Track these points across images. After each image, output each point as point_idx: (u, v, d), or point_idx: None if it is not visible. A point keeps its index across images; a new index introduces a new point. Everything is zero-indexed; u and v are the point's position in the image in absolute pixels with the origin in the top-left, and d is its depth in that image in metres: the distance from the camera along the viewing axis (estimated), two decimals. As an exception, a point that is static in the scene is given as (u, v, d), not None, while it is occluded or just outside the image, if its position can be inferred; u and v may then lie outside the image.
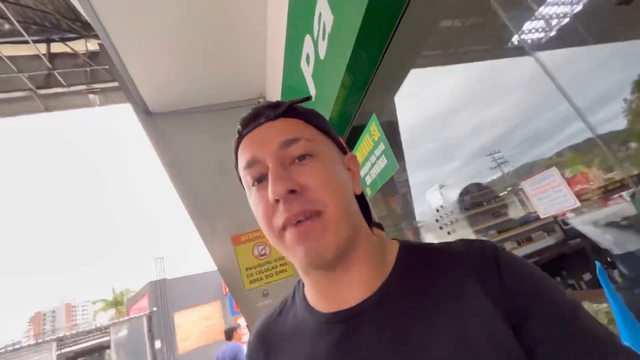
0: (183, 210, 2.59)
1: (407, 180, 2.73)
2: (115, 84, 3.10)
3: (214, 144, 2.83)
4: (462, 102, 1.92)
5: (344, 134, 1.68)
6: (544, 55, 1.25)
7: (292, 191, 0.34)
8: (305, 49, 1.63)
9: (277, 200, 0.34)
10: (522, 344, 0.31)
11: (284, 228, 0.35)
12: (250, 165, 0.37)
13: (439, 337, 0.32)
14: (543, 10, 1.49)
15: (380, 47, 1.19)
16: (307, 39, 1.57)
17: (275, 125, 0.38)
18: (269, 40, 2.51)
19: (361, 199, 0.44)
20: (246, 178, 0.39)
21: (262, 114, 0.40)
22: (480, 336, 0.31)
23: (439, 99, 2.16)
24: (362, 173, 1.57)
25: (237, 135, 0.42)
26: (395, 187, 2.75)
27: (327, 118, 1.45)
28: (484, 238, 0.39)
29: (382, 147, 1.33)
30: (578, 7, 1.64)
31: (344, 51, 1.19)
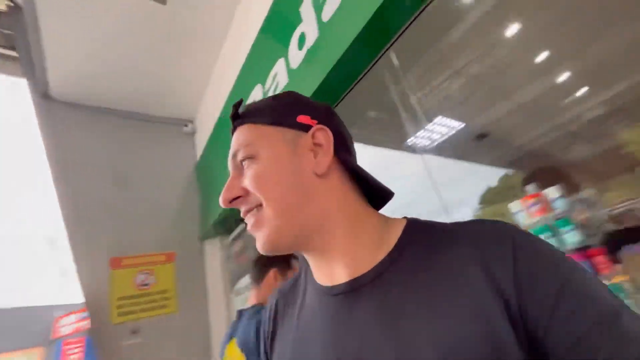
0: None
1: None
2: (12, 52, 2.61)
3: (116, 152, 2.58)
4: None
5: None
6: (428, 157, 1.72)
7: (237, 197, 0.40)
8: (253, 96, 1.81)
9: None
10: (534, 345, 0.29)
11: (246, 223, 0.42)
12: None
13: (428, 325, 0.31)
14: (431, 127, 2.10)
15: None
16: (258, 88, 1.76)
17: (233, 139, 0.44)
18: (215, 75, 2.62)
19: (355, 174, 0.42)
20: None
21: (232, 129, 0.46)
22: (471, 328, 0.30)
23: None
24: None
25: None
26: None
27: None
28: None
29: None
30: (451, 133, 2.33)
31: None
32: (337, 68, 1.18)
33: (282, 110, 0.43)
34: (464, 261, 0.33)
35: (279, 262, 1.22)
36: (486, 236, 0.34)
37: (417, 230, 0.38)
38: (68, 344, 9.17)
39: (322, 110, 0.44)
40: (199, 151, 2.95)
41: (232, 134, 0.44)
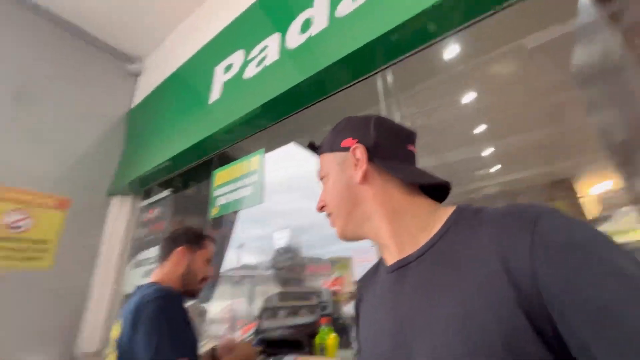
0: None
1: (233, 223, 2.78)
2: None
3: (32, 62, 2.09)
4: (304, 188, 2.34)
5: (225, 145, 1.68)
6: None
7: (322, 207, 0.57)
8: (232, 59, 1.67)
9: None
10: (551, 334, 0.30)
11: None
12: None
13: (450, 297, 0.36)
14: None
15: (289, 110, 1.40)
16: (240, 52, 1.63)
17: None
18: (191, 20, 2.34)
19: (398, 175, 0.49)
20: None
21: None
22: (484, 309, 0.33)
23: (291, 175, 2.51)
24: (220, 192, 1.58)
25: None
26: (222, 222, 2.72)
27: (220, 125, 1.45)
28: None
29: (255, 178, 1.44)
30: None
31: (265, 94, 1.34)
32: (333, 68, 1.16)
33: (334, 139, 0.56)
34: (484, 243, 0.36)
35: (188, 241, 1.12)
36: (509, 218, 0.36)
37: (460, 216, 0.43)
38: None
39: (362, 126, 0.53)
40: (139, 97, 2.56)
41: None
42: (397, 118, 1.49)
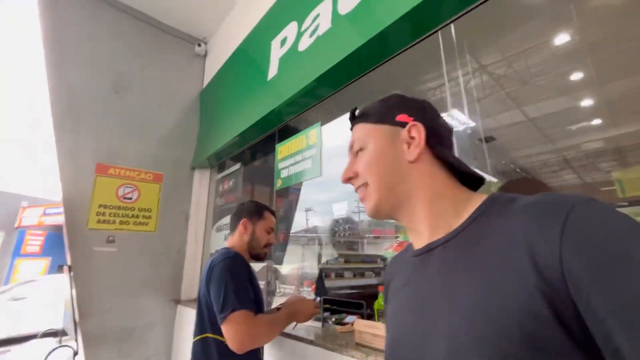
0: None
1: (299, 190, 2.95)
2: None
3: (121, 55, 2.39)
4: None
5: (285, 120, 1.76)
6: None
7: (350, 178, 0.55)
8: (285, 33, 1.67)
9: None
10: (573, 321, 0.30)
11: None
12: None
13: (471, 282, 0.37)
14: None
15: (344, 81, 1.36)
16: (293, 25, 1.62)
17: (352, 133, 0.58)
18: (243, 0, 2.38)
19: (442, 159, 0.50)
20: None
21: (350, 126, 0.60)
22: (504, 293, 0.33)
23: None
24: (283, 165, 1.68)
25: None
26: (288, 190, 2.90)
27: (279, 101, 1.50)
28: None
29: (313, 152, 1.48)
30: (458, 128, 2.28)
31: (321, 65, 1.32)
32: (391, 29, 1.08)
33: (385, 111, 0.54)
34: (513, 233, 0.36)
35: (249, 212, 1.27)
36: (542, 206, 0.36)
37: (492, 204, 0.43)
38: (31, 235, 9.21)
39: (419, 108, 0.53)
40: (208, 77, 2.77)
41: (351, 130, 0.59)
42: (460, 79, 1.34)
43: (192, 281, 2.37)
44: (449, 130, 0.54)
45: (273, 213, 1.34)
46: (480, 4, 0.97)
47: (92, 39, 2.25)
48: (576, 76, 3.20)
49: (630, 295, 0.27)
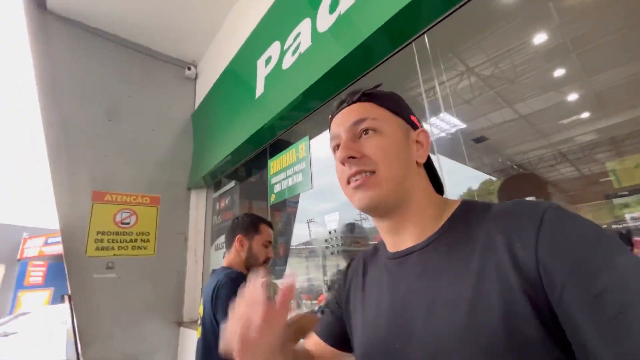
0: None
1: (297, 202, 2.96)
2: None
3: (112, 83, 2.44)
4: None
5: (275, 135, 1.79)
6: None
7: (352, 157, 0.47)
8: (269, 52, 1.72)
9: (343, 163, 0.48)
10: (549, 318, 0.31)
11: (348, 182, 0.48)
12: (333, 138, 0.52)
13: (452, 283, 0.38)
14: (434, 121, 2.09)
15: (330, 93, 1.41)
16: (276, 44, 1.67)
17: (352, 108, 0.51)
18: (229, 21, 2.46)
19: (429, 168, 0.53)
20: (331, 146, 0.53)
21: (345, 100, 0.53)
22: (490, 293, 0.34)
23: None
24: (276, 180, 1.70)
25: (330, 117, 0.55)
26: (286, 203, 2.91)
27: (266, 119, 1.54)
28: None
29: (303, 165, 1.51)
30: (450, 131, 2.31)
31: (304, 81, 1.36)
32: (367, 44, 1.12)
33: (402, 105, 0.53)
34: (492, 236, 0.38)
35: (244, 228, 1.22)
36: (518, 211, 0.38)
37: (465, 210, 0.45)
38: (33, 266, 9.13)
39: (416, 117, 0.54)
40: (199, 99, 2.83)
41: (344, 107, 0.52)
42: (438, 86, 1.39)
43: (193, 302, 2.36)
44: None
45: (270, 225, 1.28)
46: (457, 9, 1.01)
47: (83, 70, 2.31)
48: (562, 72, 3.27)
49: (598, 290, 0.28)
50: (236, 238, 1.21)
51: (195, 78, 2.95)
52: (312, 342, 0.63)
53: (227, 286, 1.03)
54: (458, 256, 0.40)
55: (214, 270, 1.23)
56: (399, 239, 0.49)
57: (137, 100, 2.50)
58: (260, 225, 1.25)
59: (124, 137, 2.36)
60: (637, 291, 0.27)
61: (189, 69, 2.83)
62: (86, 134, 2.19)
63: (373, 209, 0.47)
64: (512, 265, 0.34)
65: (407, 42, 1.15)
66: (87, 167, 2.14)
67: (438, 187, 0.54)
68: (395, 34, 1.11)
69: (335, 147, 0.51)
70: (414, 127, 0.52)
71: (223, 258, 2.22)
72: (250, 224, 1.23)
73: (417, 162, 0.49)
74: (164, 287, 2.28)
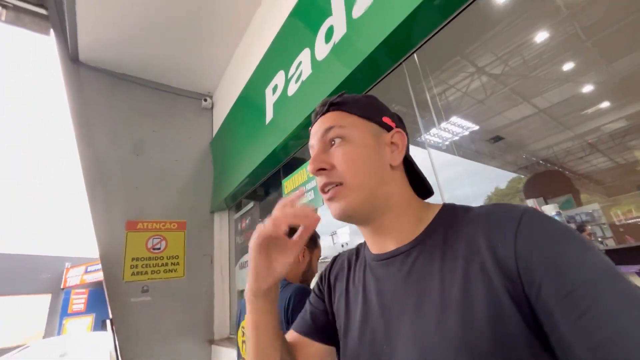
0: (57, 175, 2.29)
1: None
2: (41, 10, 2.66)
3: (137, 120, 2.67)
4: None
5: (288, 155, 1.90)
6: (435, 153, 1.76)
7: (322, 169, 0.47)
8: (276, 80, 1.85)
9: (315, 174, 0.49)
10: (530, 315, 0.33)
11: (322, 192, 0.49)
12: (310, 149, 0.53)
13: (438, 283, 0.39)
14: (444, 125, 2.13)
15: None
16: (281, 73, 1.80)
17: (325, 118, 0.51)
18: (238, 54, 2.65)
19: (411, 169, 0.52)
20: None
21: (318, 112, 0.53)
22: (474, 300, 0.35)
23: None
24: (289, 199, 1.80)
25: (310, 129, 0.56)
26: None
27: (277, 142, 1.66)
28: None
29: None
30: (464, 134, 2.34)
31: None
32: (360, 69, 1.22)
33: (372, 109, 0.51)
34: (474, 239, 0.39)
35: (309, 241, 1.16)
36: (496, 216, 0.40)
37: (447, 214, 0.46)
38: (75, 294, 9.70)
39: (396, 117, 0.54)
40: (216, 127, 3.02)
41: (317, 117, 0.53)
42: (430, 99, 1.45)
43: (223, 320, 2.47)
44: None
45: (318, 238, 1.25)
46: (463, 10, 1.05)
47: (112, 111, 2.56)
48: (578, 62, 3.19)
49: (571, 287, 0.30)
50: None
51: (212, 107, 3.16)
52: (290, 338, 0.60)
53: (297, 297, 0.98)
54: (443, 258, 0.41)
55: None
56: (382, 241, 0.49)
57: (160, 134, 2.72)
58: (318, 240, 1.24)
59: (151, 169, 2.56)
60: (604, 285, 0.29)
61: (205, 100, 3.04)
62: (118, 169, 2.41)
63: (347, 218, 0.47)
64: (495, 265, 0.35)
65: (396, 65, 1.23)
66: (120, 199, 2.34)
67: (423, 188, 0.54)
68: (392, 49, 1.17)
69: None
70: (388, 128, 0.50)
71: (246, 276, 2.32)
72: (311, 238, 1.21)
73: (391, 165, 0.48)
74: (195, 306, 2.41)
